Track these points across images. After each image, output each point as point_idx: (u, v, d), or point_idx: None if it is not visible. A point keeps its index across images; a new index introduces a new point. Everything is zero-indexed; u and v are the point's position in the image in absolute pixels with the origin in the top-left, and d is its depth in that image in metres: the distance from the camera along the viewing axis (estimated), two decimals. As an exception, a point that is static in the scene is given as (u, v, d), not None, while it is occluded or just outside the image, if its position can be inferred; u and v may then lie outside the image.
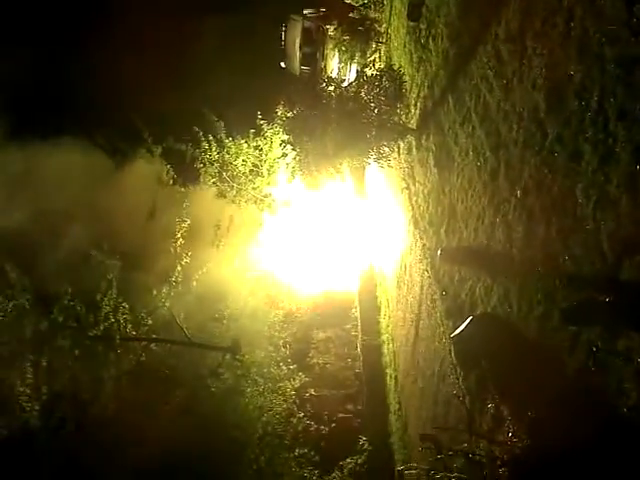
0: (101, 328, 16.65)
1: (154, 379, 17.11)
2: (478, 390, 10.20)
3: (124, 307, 16.85)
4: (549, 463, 7.44)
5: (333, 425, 19.40)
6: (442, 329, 12.64)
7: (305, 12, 27.08)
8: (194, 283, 18.48)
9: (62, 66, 28.43)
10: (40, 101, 26.45)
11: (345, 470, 17.80)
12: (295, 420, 18.25)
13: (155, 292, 17.82)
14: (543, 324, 8.38)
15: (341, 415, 19.85)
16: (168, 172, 23.20)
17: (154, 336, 17.58)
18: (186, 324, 17.74)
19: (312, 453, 17.72)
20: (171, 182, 23.38)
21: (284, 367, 19.25)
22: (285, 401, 18.33)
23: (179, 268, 18.22)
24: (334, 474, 18.07)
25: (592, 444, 6.81)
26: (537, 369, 8.46)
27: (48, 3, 28.77)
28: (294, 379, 18.98)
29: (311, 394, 19.99)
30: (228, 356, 18.17)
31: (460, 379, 11.03)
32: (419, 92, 15.97)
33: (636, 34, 6.74)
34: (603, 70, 7.34)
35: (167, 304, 17.67)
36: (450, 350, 11.45)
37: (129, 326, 16.93)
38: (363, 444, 18.28)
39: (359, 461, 17.78)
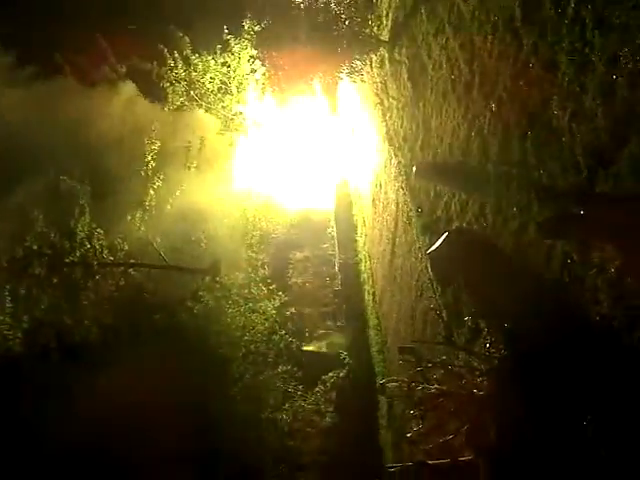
0: (77, 254, 16.58)
1: (135, 304, 17.20)
2: (455, 304, 10.38)
3: (99, 233, 16.74)
4: (526, 371, 7.65)
5: (314, 342, 19.79)
6: (418, 245, 12.74)
7: None
8: (168, 206, 18.30)
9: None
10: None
11: (328, 384, 18.32)
12: (277, 337, 18.60)
13: (129, 217, 17.67)
14: (518, 238, 8.44)
15: (322, 331, 20.23)
16: (134, 92, 22.49)
17: (132, 261, 17.58)
18: (163, 248, 17.72)
19: (295, 369, 18.18)
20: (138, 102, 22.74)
21: (263, 287, 19.43)
22: (266, 320, 18.62)
23: (152, 192, 18.02)
24: (317, 388, 18.59)
25: (566, 350, 7.00)
26: (513, 282, 8.58)
27: None
28: (274, 299, 19.22)
29: (291, 312, 20.25)
30: (208, 278, 18.28)
31: (437, 294, 11.21)
32: (390, 2, 15.43)
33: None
34: (580, -25, 7.08)
35: (142, 228, 17.56)
36: (427, 266, 11.57)
37: (105, 252, 16.90)
38: (344, 358, 18.72)
39: (341, 374, 18.28)
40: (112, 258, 17.15)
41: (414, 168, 12.34)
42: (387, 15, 15.61)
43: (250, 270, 19.75)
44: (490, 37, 9.53)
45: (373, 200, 18.17)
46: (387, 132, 15.76)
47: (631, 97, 6.15)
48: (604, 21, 6.64)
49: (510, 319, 8.51)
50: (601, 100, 6.67)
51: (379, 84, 16.62)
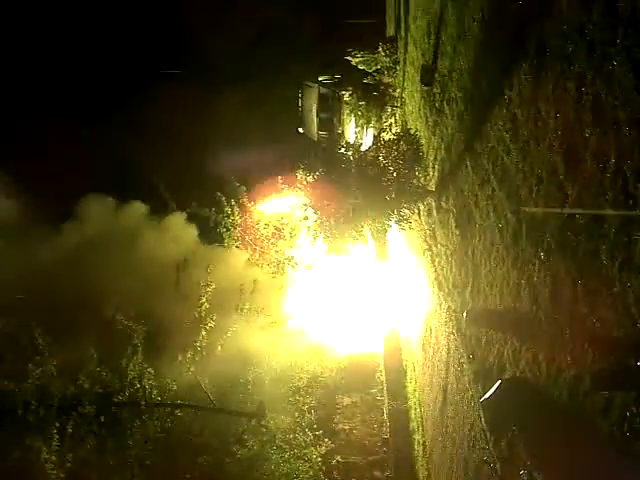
0: (126, 394, 16.72)
1: (180, 445, 16.98)
2: (509, 456, 9.94)
3: (149, 372, 16.94)
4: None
5: (361, 492, 18.84)
6: (471, 393, 12.41)
7: (320, 79, 27.89)
8: (219, 348, 18.53)
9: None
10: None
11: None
12: (323, 487, 17.89)
13: (180, 357, 17.92)
14: (574, 388, 8.21)
15: (369, 483, 19.31)
16: (193, 237, 23.65)
17: (179, 402, 17.58)
18: (211, 389, 17.72)
19: (341, 521, 17.28)
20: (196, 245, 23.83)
21: (309, 433, 18.95)
22: (311, 468, 18.01)
23: (204, 333, 18.35)
24: None
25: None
26: (569, 434, 8.23)
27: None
28: (320, 445, 18.68)
29: (337, 461, 19.50)
30: (253, 422, 18.03)
31: (491, 445, 10.76)
32: (436, 155, 16.19)
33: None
34: (618, 133, 7.41)
35: (192, 369, 17.71)
36: (480, 415, 11.22)
37: (154, 392, 16.96)
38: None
39: (390, 533, 17.21)
40: (160, 398, 17.20)
41: (465, 314, 12.31)
42: (434, 167, 16.32)
43: (296, 414, 19.40)
44: (535, 188, 9.85)
45: (423, 345, 17.96)
46: (436, 278, 15.90)
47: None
48: (645, 176, 6.87)
49: (566, 473, 8.09)
50: (649, 250, 6.75)
51: (427, 231, 17.04)
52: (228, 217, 23.49)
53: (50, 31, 30.02)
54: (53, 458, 15.23)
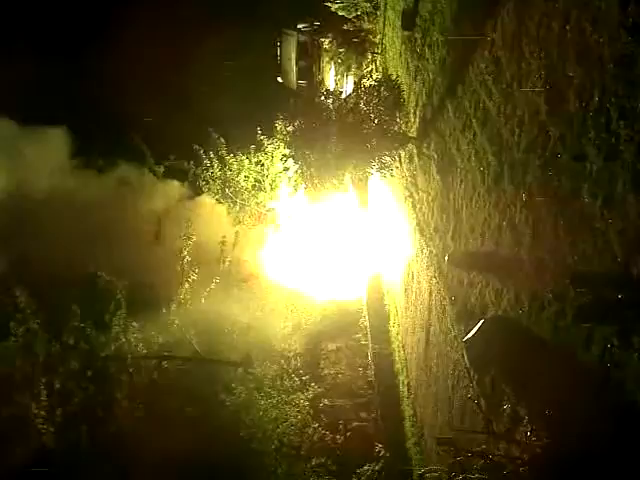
0: (112, 348, 16.83)
1: (168, 396, 17.21)
2: (493, 392, 10.23)
3: (134, 326, 17.03)
4: (570, 460, 7.46)
5: (348, 434, 19.26)
6: (453, 334, 12.68)
7: (299, 26, 27.39)
8: (202, 299, 18.62)
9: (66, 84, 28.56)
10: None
11: (363, 477, 17.63)
12: (310, 430, 18.28)
13: (164, 310, 18.02)
14: (556, 323, 8.41)
15: (356, 424, 19.75)
16: (172, 190, 23.44)
17: (165, 354, 17.73)
18: (197, 340, 17.87)
19: (329, 462, 17.68)
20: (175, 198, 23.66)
21: (296, 379, 19.27)
22: (299, 412, 18.36)
23: (187, 285, 18.42)
24: (352, 482, 18.00)
25: (611, 439, 6.84)
26: (552, 368, 8.49)
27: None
28: (307, 390, 19.00)
29: (325, 404, 19.91)
30: (240, 370, 18.28)
31: (474, 382, 11.05)
32: (417, 100, 16.11)
33: (632, 34, 6.84)
34: (602, 70, 7.43)
35: (177, 321, 17.82)
36: (463, 354, 11.48)
37: (140, 345, 17.08)
38: (379, 451, 18.14)
39: (376, 467, 17.62)
40: (146, 351, 17.33)
41: (446, 257, 12.49)
42: (415, 113, 16.26)
43: (282, 361, 19.70)
44: (517, 130, 9.90)
45: (405, 289, 18.22)
46: (418, 223, 16.04)
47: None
48: (628, 112, 6.93)
49: (550, 406, 8.37)
50: (631, 186, 6.85)
51: (408, 178, 17.08)
52: (207, 170, 23.27)
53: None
54: (42, 413, 15.41)
